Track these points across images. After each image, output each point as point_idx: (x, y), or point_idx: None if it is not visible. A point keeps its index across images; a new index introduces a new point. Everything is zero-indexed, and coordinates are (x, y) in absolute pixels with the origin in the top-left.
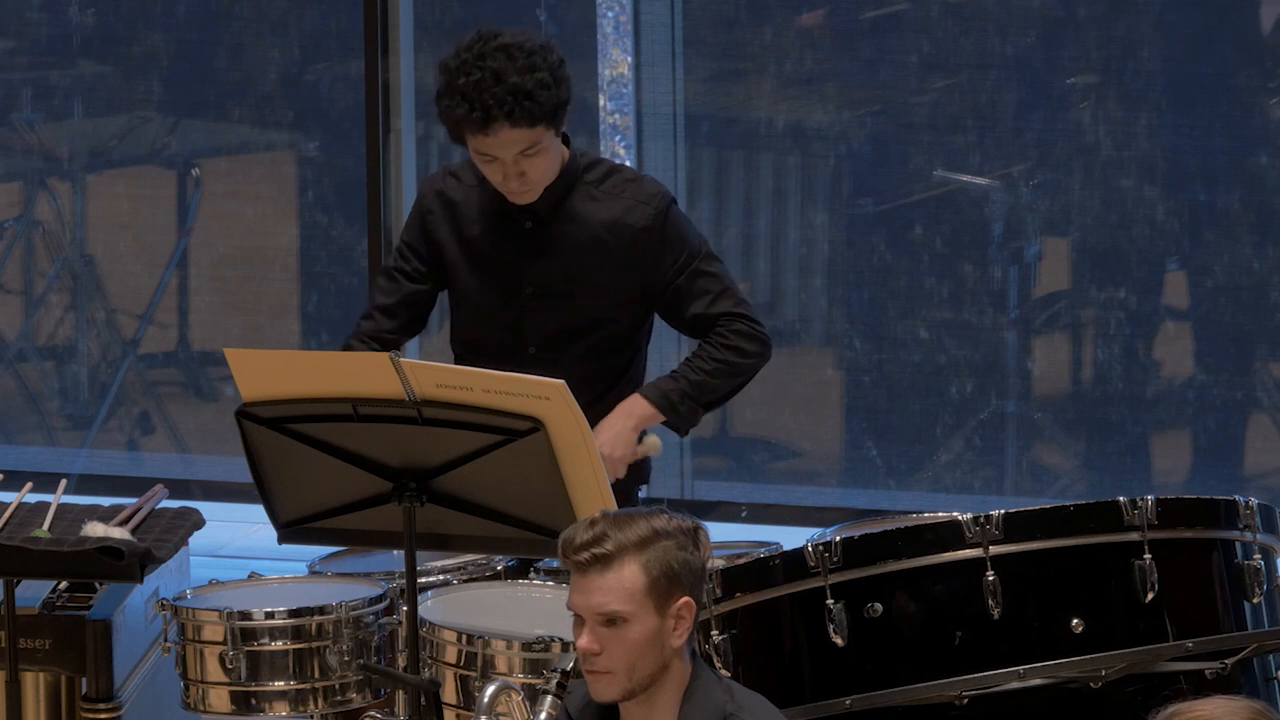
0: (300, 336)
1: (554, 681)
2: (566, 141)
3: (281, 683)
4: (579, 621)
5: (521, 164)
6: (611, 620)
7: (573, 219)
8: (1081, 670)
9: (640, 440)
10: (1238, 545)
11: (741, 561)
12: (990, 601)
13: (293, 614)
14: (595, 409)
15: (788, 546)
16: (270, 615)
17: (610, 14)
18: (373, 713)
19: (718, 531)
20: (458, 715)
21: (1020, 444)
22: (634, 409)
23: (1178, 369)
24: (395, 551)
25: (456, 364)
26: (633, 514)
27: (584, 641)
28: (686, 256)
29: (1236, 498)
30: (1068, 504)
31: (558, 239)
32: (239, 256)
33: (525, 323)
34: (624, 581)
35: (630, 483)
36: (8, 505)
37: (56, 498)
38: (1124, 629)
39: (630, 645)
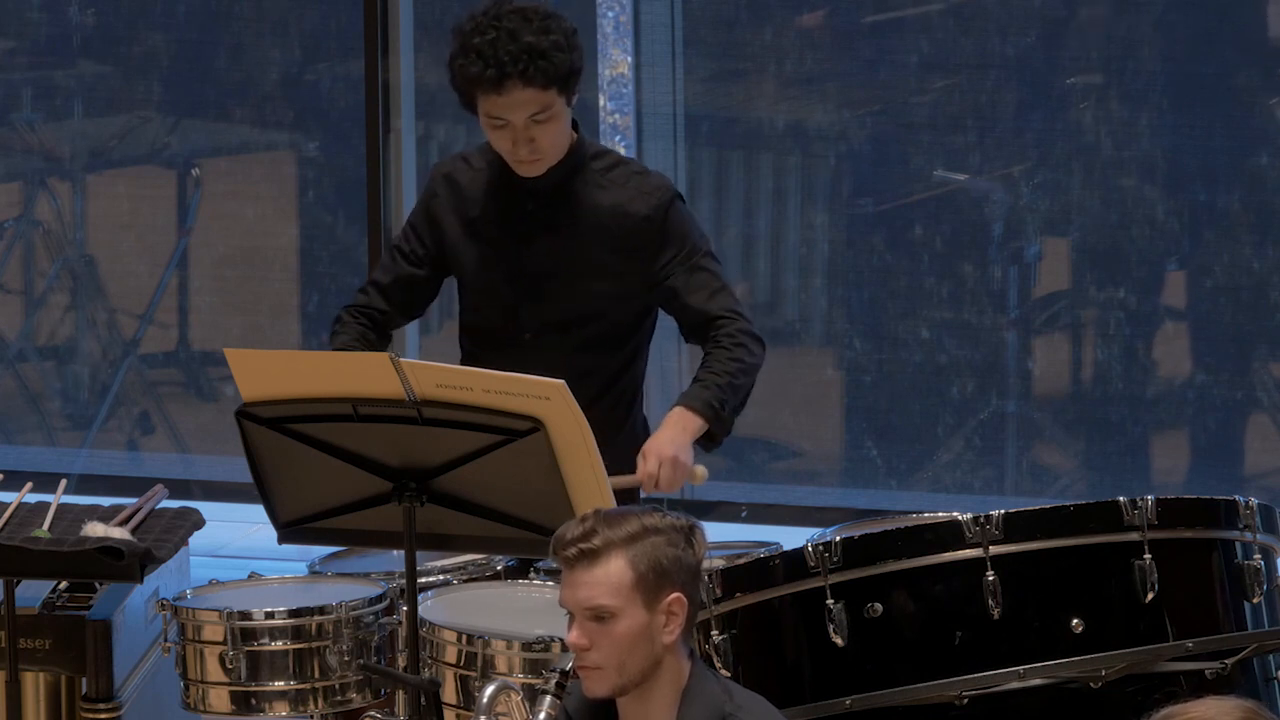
0: (300, 336)
1: (553, 681)
2: (576, 127)
3: (281, 683)
4: (571, 618)
5: (532, 130)
6: (600, 615)
7: (576, 202)
8: (1081, 670)
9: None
10: (1238, 545)
11: (741, 561)
12: (990, 601)
13: (293, 614)
14: (593, 409)
15: (788, 546)
16: (270, 615)
17: (610, 14)
18: (373, 713)
19: (718, 531)
20: (458, 715)
21: (1020, 444)
22: (685, 421)
23: (1177, 369)
24: (395, 551)
25: (462, 348)
26: (625, 512)
27: (573, 637)
28: (686, 251)
29: (1236, 498)
30: (1068, 504)
31: (559, 221)
32: (239, 256)
33: (523, 308)
34: (610, 576)
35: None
36: (8, 505)
37: (56, 498)
38: (1124, 629)
39: (618, 640)
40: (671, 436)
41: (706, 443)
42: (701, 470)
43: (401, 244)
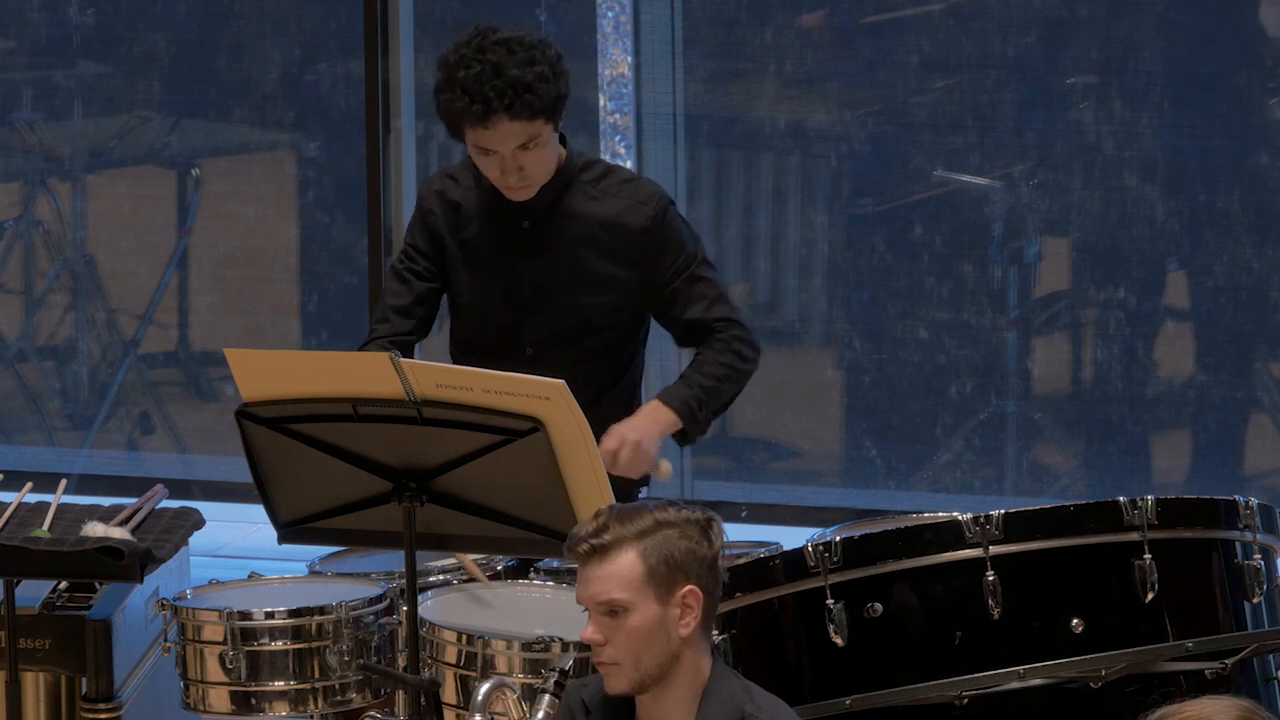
0: (300, 336)
1: (552, 681)
2: (564, 141)
3: (281, 683)
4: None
5: (520, 158)
6: (613, 610)
7: (570, 218)
8: (1081, 670)
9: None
10: (1238, 545)
11: (741, 561)
12: (990, 601)
13: (293, 614)
14: (592, 412)
15: (788, 546)
16: (270, 615)
17: (610, 14)
18: (373, 713)
19: None
20: (458, 715)
21: (1020, 444)
22: (658, 414)
23: (1178, 369)
24: (395, 551)
25: (454, 363)
26: (638, 507)
27: (588, 632)
28: (684, 259)
29: (1236, 498)
30: (1068, 504)
31: (555, 238)
32: (239, 256)
33: (522, 324)
34: (621, 570)
35: (631, 484)
36: (8, 505)
37: (56, 498)
38: (1124, 629)
39: (632, 634)
40: (639, 424)
41: (680, 438)
42: (665, 465)
43: (411, 265)
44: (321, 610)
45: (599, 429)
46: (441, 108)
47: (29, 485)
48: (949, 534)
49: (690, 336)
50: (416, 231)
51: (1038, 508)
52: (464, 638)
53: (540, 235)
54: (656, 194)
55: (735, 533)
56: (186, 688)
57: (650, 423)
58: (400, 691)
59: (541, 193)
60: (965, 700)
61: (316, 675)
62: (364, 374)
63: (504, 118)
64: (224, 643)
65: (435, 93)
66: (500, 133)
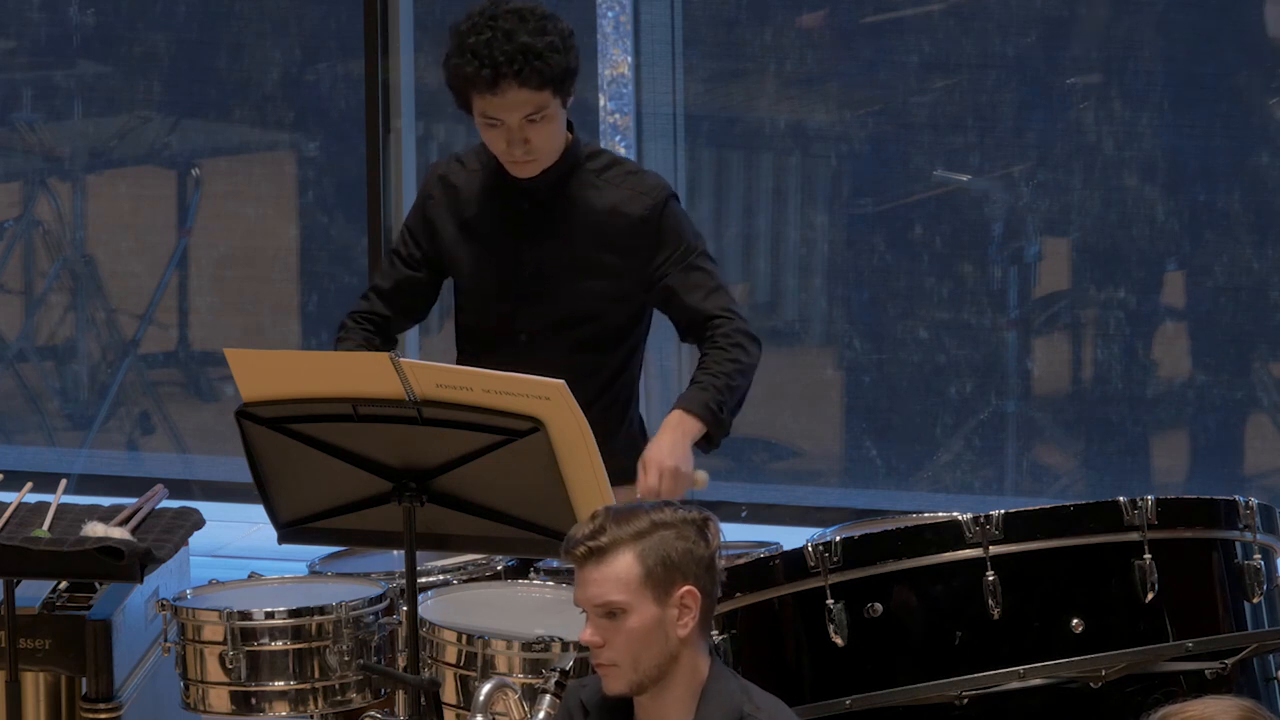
0: (300, 336)
1: (553, 681)
2: (571, 128)
3: (281, 683)
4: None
5: (526, 130)
6: (611, 612)
7: (572, 203)
8: (1081, 670)
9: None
10: (1238, 545)
11: (741, 561)
12: (990, 601)
13: (293, 614)
14: (591, 409)
15: (788, 546)
16: (270, 615)
17: (610, 14)
18: (373, 713)
19: None
20: (458, 715)
21: (1020, 444)
22: (685, 425)
23: (1177, 369)
24: (395, 551)
25: (458, 349)
26: (634, 508)
27: (586, 634)
28: (682, 250)
29: (1236, 498)
30: (1068, 504)
31: (556, 222)
32: (239, 256)
33: (519, 309)
34: (619, 572)
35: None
36: (8, 505)
37: (56, 498)
38: (1124, 629)
39: (631, 635)
40: (671, 444)
41: (704, 444)
42: (702, 475)
43: (399, 248)
44: (321, 610)
45: (597, 428)
46: (451, 74)
47: (29, 485)
48: (949, 534)
49: (690, 328)
50: (414, 215)
51: (1038, 508)
52: (464, 638)
53: (541, 219)
54: (659, 185)
55: (735, 533)
56: (186, 688)
57: (680, 438)
58: (400, 691)
59: (544, 175)
60: (965, 700)
61: (316, 675)
62: (364, 374)
63: (513, 84)
64: (224, 643)
65: (444, 61)
66: (509, 100)
